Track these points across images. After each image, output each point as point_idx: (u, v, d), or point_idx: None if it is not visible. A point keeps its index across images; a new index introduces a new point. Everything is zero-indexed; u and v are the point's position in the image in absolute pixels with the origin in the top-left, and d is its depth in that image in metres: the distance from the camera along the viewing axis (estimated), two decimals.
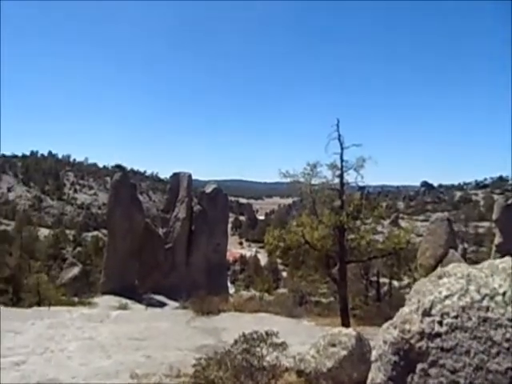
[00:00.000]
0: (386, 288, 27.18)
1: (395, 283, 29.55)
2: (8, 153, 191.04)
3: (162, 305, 34.34)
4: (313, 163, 14.94)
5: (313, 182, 15.07)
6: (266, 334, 9.22)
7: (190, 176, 52.96)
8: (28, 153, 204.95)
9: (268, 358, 8.39)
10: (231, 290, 56.27)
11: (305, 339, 12.25)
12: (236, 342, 9.13)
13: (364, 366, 7.78)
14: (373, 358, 4.55)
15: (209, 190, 53.23)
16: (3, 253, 44.84)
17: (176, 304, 34.66)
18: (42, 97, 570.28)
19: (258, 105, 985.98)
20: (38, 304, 24.26)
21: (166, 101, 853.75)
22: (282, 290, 53.02)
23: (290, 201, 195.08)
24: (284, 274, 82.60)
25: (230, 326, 14.49)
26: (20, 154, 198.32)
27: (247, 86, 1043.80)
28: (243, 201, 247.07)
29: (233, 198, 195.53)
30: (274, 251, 15.47)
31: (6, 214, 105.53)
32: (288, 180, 15.39)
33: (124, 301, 29.24)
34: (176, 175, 53.92)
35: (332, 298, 27.07)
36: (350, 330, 8.86)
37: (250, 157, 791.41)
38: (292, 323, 16.20)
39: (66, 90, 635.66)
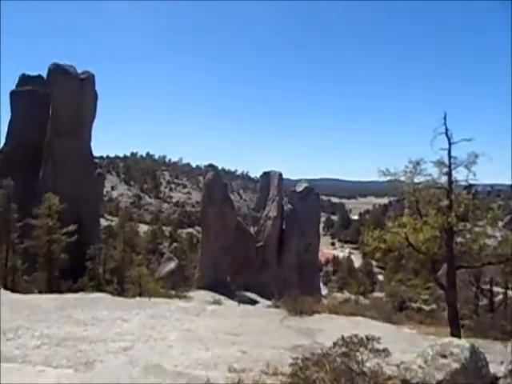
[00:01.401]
0: (500, 297, 24.75)
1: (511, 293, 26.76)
2: (111, 154, 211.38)
3: (253, 302, 35.26)
4: (416, 160, 14.16)
5: (416, 180, 14.30)
6: (367, 338, 8.93)
7: (280, 175, 53.62)
8: (129, 154, 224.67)
9: (368, 364, 8.13)
10: (324, 292, 55.72)
11: (406, 347, 11.67)
12: (334, 344, 8.98)
13: (480, 381, 7.15)
14: (501, 374, 4.14)
15: (300, 188, 53.39)
16: (109, 246, 49.71)
17: (267, 302, 35.34)
18: (141, 101, 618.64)
19: (351, 100, 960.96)
20: (140, 295, 26.36)
21: (255, 100, 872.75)
22: (377, 294, 51.14)
23: (385, 200, 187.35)
24: (380, 277, 79.67)
25: (325, 328, 14.34)
26: (122, 155, 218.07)
27: (340, 82, 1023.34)
28: (335, 200, 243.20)
29: (324, 197, 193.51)
30: (373, 253, 14.93)
31: (110, 210, 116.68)
32: (387, 178, 14.77)
33: (217, 296, 30.54)
34: (266, 174, 54.92)
35: (434, 305, 25.45)
36: (463, 341, 8.20)
37: (342, 154, 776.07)
38: (391, 329, 15.51)
39: (161, 95, 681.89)
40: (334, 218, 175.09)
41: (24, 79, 79.27)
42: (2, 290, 25.81)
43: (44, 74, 73.98)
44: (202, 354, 10.09)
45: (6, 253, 33.58)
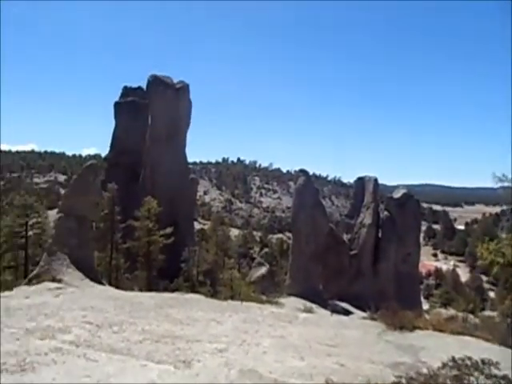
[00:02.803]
0: None
1: None
2: (204, 160, 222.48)
3: (346, 312, 34.33)
4: None
5: None
6: (482, 362, 8.15)
7: (375, 180, 51.86)
8: (220, 159, 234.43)
9: None
10: (425, 306, 52.54)
11: None
12: (444, 365, 8.34)
13: None
14: None
15: (397, 195, 51.11)
16: (202, 249, 52.05)
17: (362, 313, 34.12)
18: (232, 107, 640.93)
19: (457, 100, 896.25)
20: (232, 298, 27.10)
21: (348, 103, 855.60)
22: (489, 313, 46.89)
23: (497, 209, 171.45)
24: (491, 293, 73.03)
25: (429, 346, 13.45)
26: (213, 161, 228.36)
27: (447, 83, 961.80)
28: (437, 208, 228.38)
29: (425, 205, 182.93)
30: (489, 267, 13.64)
31: (203, 214, 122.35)
32: (504, 184, 13.47)
33: (308, 304, 30.24)
34: (361, 180, 53.48)
35: None
36: None
37: (445, 158, 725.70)
38: (508, 354, 14.02)
39: (252, 100, 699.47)
40: (435, 227, 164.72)
41: (126, 91, 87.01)
42: (107, 286, 28.37)
43: (144, 86, 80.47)
44: (297, 363, 10.00)
45: (110, 252, 36.81)
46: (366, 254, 46.76)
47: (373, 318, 20.42)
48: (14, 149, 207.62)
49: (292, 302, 33.06)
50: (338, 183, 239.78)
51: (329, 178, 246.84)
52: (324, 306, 33.82)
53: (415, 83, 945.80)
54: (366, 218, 48.62)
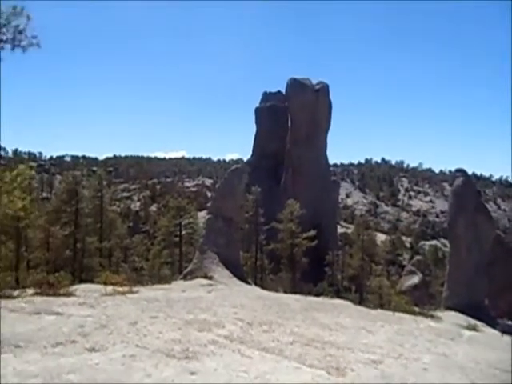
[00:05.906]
0: None
1: None
2: (345, 161, 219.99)
3: None
4: None
5: None
6: None
7: None
8: (363, 161, 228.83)
9: None
10: None
11: None
12: None
13: None
14: None
15: None
16: (346, 254, 51.27)
17: None
18: (374, 106, 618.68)
19: None
20: (381, 306, 26.05)
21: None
22: None
23: None
24: None
25: None
26: (356, 162, 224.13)
27: None
28: None
29: None
30: None
31: (345, 217, 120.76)
32: None
33: (473, 321, 27.49)
34: None
35: None
36: None
37: None
38: None
39: (395, 97, 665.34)
40: None
41: (266, 96, 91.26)
42: (254, 286, 29.81)
43: (283, 90, 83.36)
44: None
45: (255, 252, 38.74)
46: None
47: None
48: (167, 156, 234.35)
49: (451, 317, 30.35)
50: (504, 184, 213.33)
51: (493, 179, 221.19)
52: (491, 324, 30.35)
53: None
54: None
